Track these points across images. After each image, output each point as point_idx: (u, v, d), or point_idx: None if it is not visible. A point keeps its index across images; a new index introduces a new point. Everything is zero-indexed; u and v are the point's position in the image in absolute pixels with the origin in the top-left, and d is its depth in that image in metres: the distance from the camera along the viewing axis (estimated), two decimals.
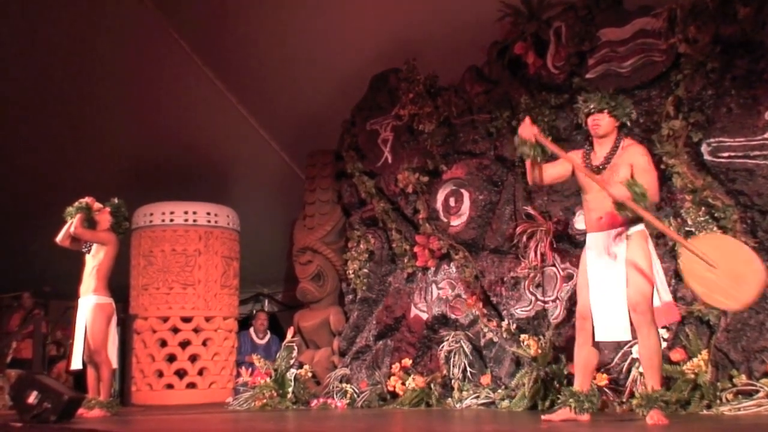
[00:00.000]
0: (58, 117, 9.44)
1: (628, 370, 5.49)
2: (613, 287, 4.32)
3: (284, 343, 7.74)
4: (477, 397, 6.43)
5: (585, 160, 4.57)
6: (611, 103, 4.52)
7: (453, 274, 7.13)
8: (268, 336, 9.54)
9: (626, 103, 4.61)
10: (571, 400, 4.49)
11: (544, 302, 6.41)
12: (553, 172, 4.70)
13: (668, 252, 5.71)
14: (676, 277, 5.65)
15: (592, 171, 4.46)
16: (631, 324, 4.30)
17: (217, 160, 9.98)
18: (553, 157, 4.65)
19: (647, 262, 4.29)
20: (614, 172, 4.38)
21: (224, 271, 8.96)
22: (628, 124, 4.64)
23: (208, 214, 8.95)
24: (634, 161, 4.37)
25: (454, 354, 6.76)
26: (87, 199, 6.78)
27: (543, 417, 4.59)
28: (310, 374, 7.67)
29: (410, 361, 7.13)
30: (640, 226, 4.36)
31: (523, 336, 6.29)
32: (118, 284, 7.19)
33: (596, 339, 4.44)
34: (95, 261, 6.63)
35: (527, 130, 4.51)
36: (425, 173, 7.44)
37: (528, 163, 4.62)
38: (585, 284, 4.49)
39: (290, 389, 7.28)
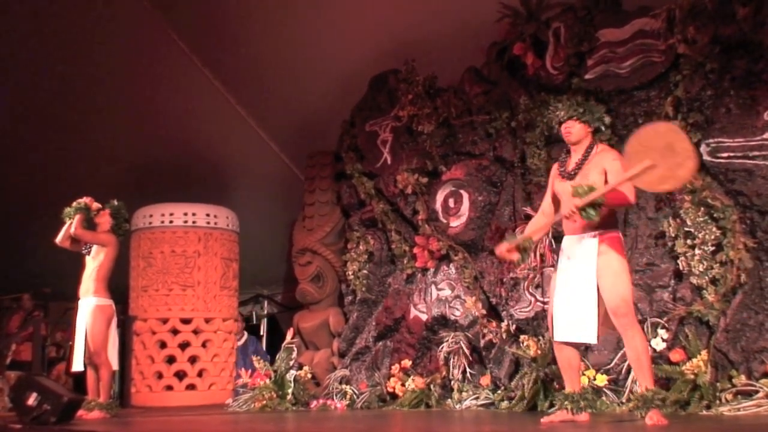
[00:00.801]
0: (57, 118, 9.43)
1: (628, 371, 5.49)
2: (579, 289, 4.33)
3: (284, 344, 7.74)
4: (476, 398, 6.43)
5: (560, 168, 4.64)
6: (579, 109, 4.56)
7: (452, 275, 7.13)
8: (245, 337, 9.58)
9: (596, 108, 4.67)
10: (566, 402, 4.50)
11: (544, 303, 6.40)
12: (547, 206, 4.76)
13: (668, 252, 5.71)
14: (675, 277, 5.65)
15: (565, 177, 4.53)
16: (601, 327, 4.33)
17: (216, 161, 9.98)
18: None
19: (623, 265, 4.29)
20: (585, 177, 4.40)
21: (224, 272, 8.95)
22: (603, 129, 4.71)
23: (208, 215, 8.95)
24: (607, 166, 4.37)
25: (454, 355, 6.76)
26: (85, 199, 6.77)
27: (543, 420, 4.57)
28: (309, 375, 7.67)
29: (410, 362, 7.13)
30: (614, 232, 4.39)
31: (522, 337, 6.30)
32: (117, 286, 7.18)
33: (555, 339, 4.47)
34: (95, 263, 6.62)
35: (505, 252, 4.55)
36: (424, 174, 7.44)
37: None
38: (554, 285, 4.55)
39: (290, 390, 7.28)
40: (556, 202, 4.69)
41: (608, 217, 4.38)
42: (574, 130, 4.56)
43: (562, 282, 4.45)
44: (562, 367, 4.58)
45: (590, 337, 4.34)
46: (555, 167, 4.73)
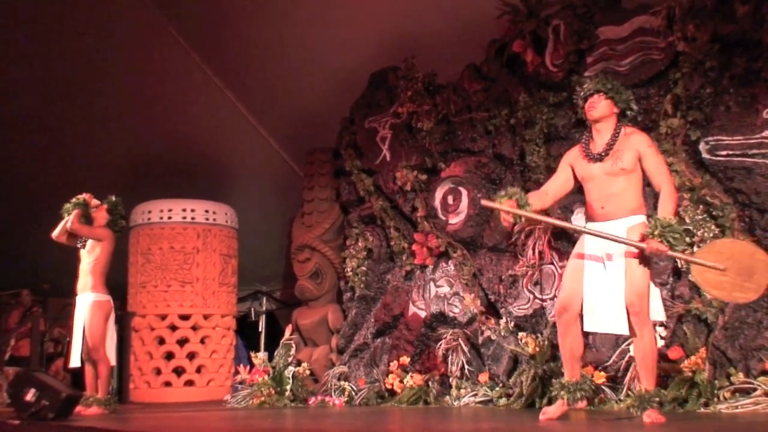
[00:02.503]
0: (56, 114, 9.44)
1: (626, 368, 5.50)
2: (611, 280, 4.24)
3: (282, 340, 7.74)
4: (475, 395, 6.44)
5: (584, 150, 4.48)
6: (607, 85, 4.45)
7: (451, 272, 7.13)
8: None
9: (625, 90, 4.54)
10: (562, 392, 4.45)
11: (542, 300, 6.41)
12: (556, 187, 4.61)
13: None
14: (674, 275, 5.65)
15: (592, 159, 4.40)
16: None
17: (215, 157, 9.98)
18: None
19: (645, 260, 4.20)
20: (618, 159, 4.31)
21: (222, 268, 8.95)
22: (628, 113, 4.53)
23: (207, 211, 8.95)
24: (641, 150, 4.29)
25: (452, 352, 6.76)
26: (84, 196, 6.79)
27: (541, 417, 4.49)
28: (308, 372, 7.67)
29: (408, 359, 7.13)
30: (642, 218, 4.29)
31: (521, 334, 6.30)
32: (116, 282, 7.18)
33: (587, 329, 4.37)
34: (91, 257, 6.63)
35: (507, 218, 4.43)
36: (424, 171, 7.45)
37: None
38: (576, 275, 4.39)
39: (288, 387, 7.28)
40: (568, 184, 4.58)
41: (638, 200, 4.34)
42: (598, 105, 4.42)
43: (592, 272, 4.32)
44: (565, 356, 4.51)
45: (623, 328, 4.22)
46: (576, 149, 4.57)
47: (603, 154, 4.37)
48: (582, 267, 4.39)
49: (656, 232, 4.06)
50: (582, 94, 4.54)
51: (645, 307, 4.18)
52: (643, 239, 4.13)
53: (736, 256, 4.07)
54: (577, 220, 6.08)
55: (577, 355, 4.51)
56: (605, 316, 4.25)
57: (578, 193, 4.80)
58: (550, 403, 5.43)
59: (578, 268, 4.41)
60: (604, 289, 4.26)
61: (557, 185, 4.63)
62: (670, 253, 4.08)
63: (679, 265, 5.51)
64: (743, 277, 4.04)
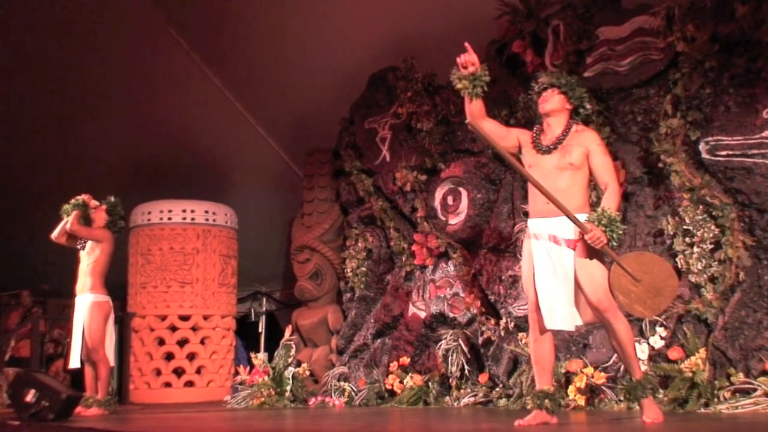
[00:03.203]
0: (55, 115, 9.43)
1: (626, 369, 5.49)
2: (560, 275, 4.17)
3: (282, 341, 7.75)
4: (475, 396, 6.44)
5: (534, 139, 4.40)
6: (561, 80, 4.42)
7: (451, 272, 7.13)
8: None
9: (580, 88, 4.46)
10: (545, 401, 4.26)
11: None
12: (498, 131, 4.47)
13: (666, 250, 5.71)
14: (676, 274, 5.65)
15: (540, 151, 4.33)
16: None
17: (215, 158, 9.98)
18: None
19: (595, 253, 4.12)
20: (566, 153, 4.25)
21: (222, 269, 8.96)
22: (581, 111, 4.46)
23: (207, 212, 8.95)
24: (590, 147, 4.25)
25: (452, 352, 6.76)
26: (84, 197, 6.79)
27: (516, 424, 4.21)
28: (308, 372, 7.68)
29: (408, 360, 7.13)
30: (585, 216, 4.15)
31: (521, 334, 6.29)
32: (115, 282, 7.19)
33: (547, 327, 4.27)
34: (90, 258, 6.63)
35: (471, 58, 4.36)
36: (423, 171, 7.45)
37: (467, 99, 4.39)
38: (531, 275, 4.30)
39: (288, 388, 7.29)
40: (507, 141, 4.43)
41: (582, 197, 4.28)
42: (551, 99, 4.38)
43: (543, 270, 4.22)
44: (540, 362, 4.36)
45: (577, 319, 4.24)
46: (528, 134, 4.46)
47: (551, 147, 4.31)
48: (532, 265, 4.30)
49: (603, 222, 4.02)
50: (536, 88, 4.50)
51: (612, 300, 4.12)
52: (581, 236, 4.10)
53: (654, 273, 4.12)
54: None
55: (553, 360, 4.42)
56: (560, 312, 4.20)
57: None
58: None
59: (530, 267, 4.33)
60: (555, 286, 4.19)
61: (500, 130, 4.50)
62: (606, 247, 4.05)
63: (670, 242, 5.58)
64: (649, 294, 4.11)
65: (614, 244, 4.07)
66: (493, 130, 4.44)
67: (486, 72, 4.41)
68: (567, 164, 4.24)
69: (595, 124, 5.76)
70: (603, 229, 4.02)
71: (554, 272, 4.21)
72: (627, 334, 4.16)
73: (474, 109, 4.40)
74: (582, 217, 4.11)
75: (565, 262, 4.18)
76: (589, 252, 4.13)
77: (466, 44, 4.43)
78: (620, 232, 4.07)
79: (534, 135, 4.43)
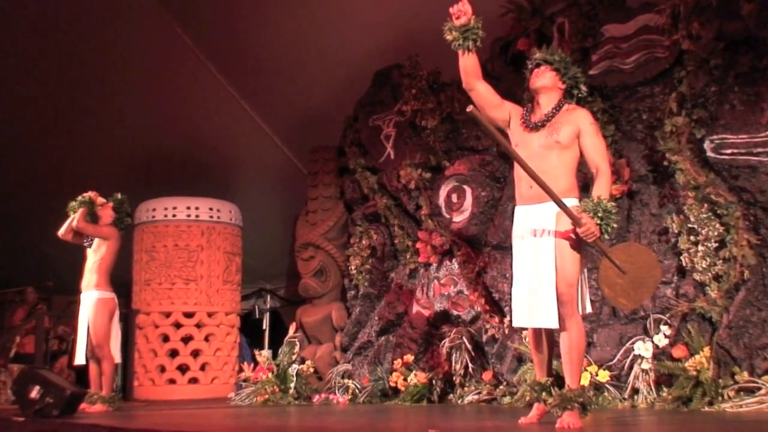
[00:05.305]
0: (60, 112, 9.45)
1: (630, 367, 5.49)
2: (540, 267, 3.94)
3: (286, 338, 7.75)
4: (479, 393, 6.44)
5: (524, 115, 4.19)
6: (555, 57, 4.26)
7: (455, 270, 7.13)
8: None
9: (575, 68, 4.32)
10: (543, 393, 4.15)
11: None
12: (491, 98, 4.28)
13: (671, 249, 5.70)
14: (678, 273, 5.64)
15: (528, 127, 4.11)
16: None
17: (219, 155, 9.99)
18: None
19: (578, 245, 3.92)
20: (555, 131, 4.02)
21: (226, 266, 8.97)
22: (575, 93, 4.28)
23: (211, 209, 8.97)
24: (582, 126, 4.01)
25: (456, 350, 6.75)
26: (90, 194, 6.80)
27: (520, 422, 4.21)
28: (312, 370, 7.68)
29: (412, 357, 7.13)
30: (574, 201, 3.95)
31: (524, 332, 6.29)
32: (120, 279, 7.20)
33: (514, 325, 4.16)
34: (97, 256, 6.64)
35: (464, 8, 4.18)
36: (428, 169, 7.44)
37: (460, 53, 4.25)
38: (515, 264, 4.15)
39: (292, 385, 7.30)
40: (497, 112, 4.27)
41: (570, 180, 4.04)
42: (543, 75, 4.18)
43: (521, 261, 4.06)
44: (541, 360, 4.25)
45: (552, 320, 3.91)
46: (519, 110, 4.27)
47: (539, 123, 4.08)
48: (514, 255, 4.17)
49: (599, 214, 3.81)
50: (529, 65, 4.34)
51: (575, 297, 3.92)
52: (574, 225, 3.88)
53: (639, 264, 3.96)
54: None
55: (550, 357, 4.28)
56: (535, 308, 3.97)
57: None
58: None
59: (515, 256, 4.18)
60: (533, 278, 3.97)
61: (493, 98, 4.31)
62: (598, 241, 3.86)
63: (674, 240, 5.55)
64: (633, 286, 3.95)
65: (606, 237, 3.91)
66: (486, 94, 4.28)
67: (479, 24, 4.23)
68: (553, 142, 4.02)
69: (600, 122, 5.75)
70: (598, 221, 3.81)
71: (534, 270, 3.97)
72: (578, 338, 3.94)
73: (467, 65, 4.25)
74: (569, 203, 3.88)
75: (547, 254, 3.93)
76: (574, 243, 3.91)
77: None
78: (614, 224, 3.90)
79: (525, 111, 4.24)
